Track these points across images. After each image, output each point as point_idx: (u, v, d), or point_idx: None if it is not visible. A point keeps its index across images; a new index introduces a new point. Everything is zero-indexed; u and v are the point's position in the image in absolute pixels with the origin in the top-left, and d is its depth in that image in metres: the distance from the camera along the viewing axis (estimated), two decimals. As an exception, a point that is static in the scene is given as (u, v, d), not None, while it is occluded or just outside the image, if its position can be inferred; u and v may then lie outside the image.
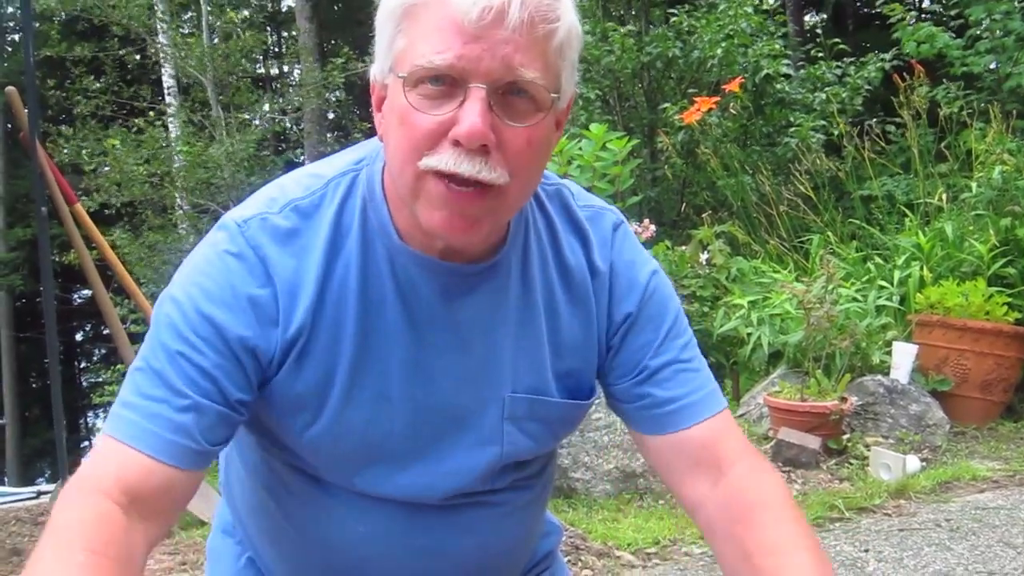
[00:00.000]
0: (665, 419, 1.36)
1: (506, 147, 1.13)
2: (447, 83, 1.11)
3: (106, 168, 12.64)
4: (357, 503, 1.36)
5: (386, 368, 1.27)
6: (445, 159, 1.12)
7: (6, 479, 19.76)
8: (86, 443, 25.53)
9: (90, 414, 24.72)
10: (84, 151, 12.70)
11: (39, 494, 5.28)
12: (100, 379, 18.12)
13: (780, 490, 1.32)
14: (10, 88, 4.19)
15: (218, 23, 13.98)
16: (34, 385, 24.67)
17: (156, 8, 13.98)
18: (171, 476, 1.16)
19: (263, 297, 1.21)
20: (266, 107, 14.41)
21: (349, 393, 1.26)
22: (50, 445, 20.32)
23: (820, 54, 9.45)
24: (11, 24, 19.89)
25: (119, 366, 12.77)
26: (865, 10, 19.01)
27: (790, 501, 1.31)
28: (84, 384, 25.20)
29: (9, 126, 21.20)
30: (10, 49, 23.35)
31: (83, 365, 26.64)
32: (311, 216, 1.25)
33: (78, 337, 26.04)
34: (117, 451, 1.16)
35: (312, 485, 1.37)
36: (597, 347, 1.38)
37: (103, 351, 24.84)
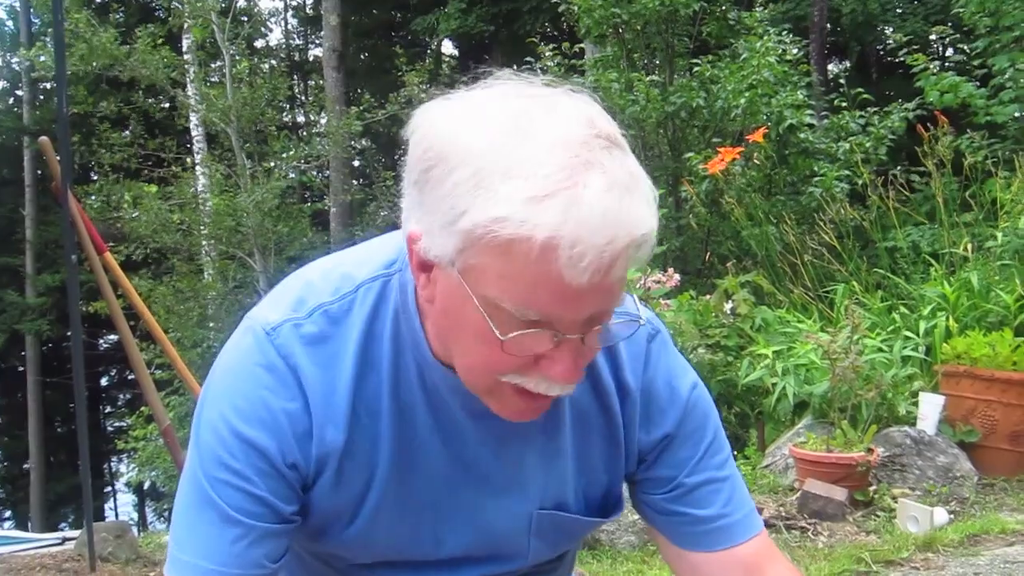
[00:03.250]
0: (705, 537, 1.35)
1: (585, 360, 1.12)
2: (539, 326, 1.04)
3: (135, 214, 12.78)
4: None
5: (417, 480, 1.26)
6: (534, 384, 1.10)
7: (30, 524, 19.78)
8: (110, 489, 25.61)
9: (114, 459, 24.77)
10: (116, 197, 12.87)
11: (64, 540, 5.28)
12: (125, 424, 18.17)
13: None
14: (43, 138, 4.25)
15: (243, 73, 14.14)
16: (59, 430, 24.78)
17: (184, 59, 14.18)
18: None
19: (296, 411, 1.18)
20: (291, 153, 14.53)
21: (382, 503, 1.25)
22: (74, 490, 20.41)
23: (844, 103, 9.47)
24: (43, 73, 20.20)
25: (144, 409, 12.85)
26: (888, 59, 19.06)
27: None
28: (109, 429, 25.27)
29: (39, 172, 21.52)
30: (42, 97, 23.73)
31: (108, 410, 26.74)
32: (341, 322, 1.21)
33: (103, 382, 26.18)
34: None
35: (325, 568, 1.37)
36: (626, 463, 1.35)
37: (128, 396, 24.94)
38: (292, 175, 14.79)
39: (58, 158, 4.07)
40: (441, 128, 1.05)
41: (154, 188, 12.96)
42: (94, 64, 13.25)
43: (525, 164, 0.98)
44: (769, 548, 1.37)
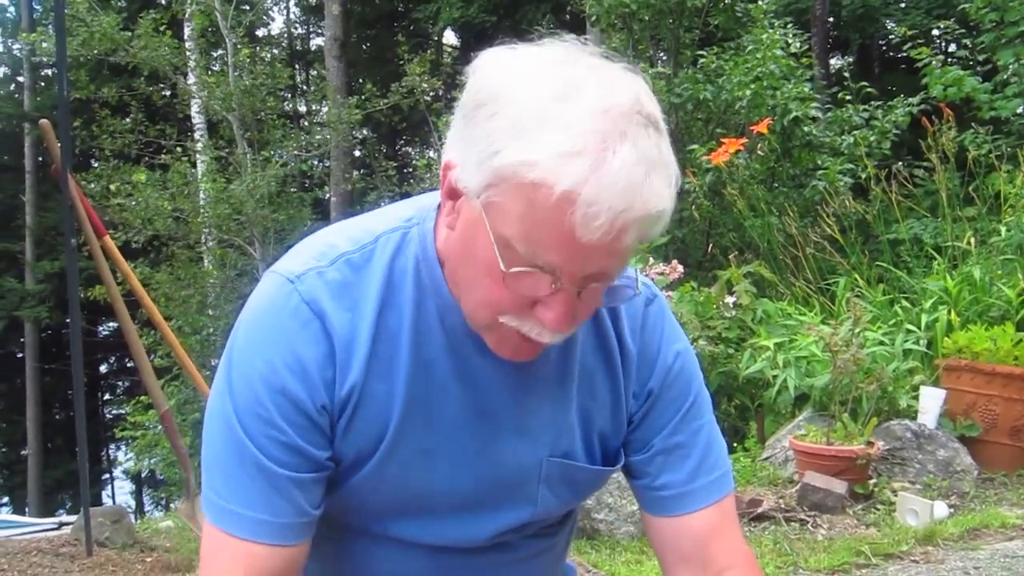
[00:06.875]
0: (661, 502, 1.40)
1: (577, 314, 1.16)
2: (541, 270, 1.10)
3: (132, 203, 12.74)
4: (380, 544, 1.36)
5: (431, 424, 1.28)
6: (528, 328, 1.15)
7: (27, 509, 19.81)
8: (108, 476, 25.62)
9: (112, 446, 24.78)
10: (112, 185, 12.82)
11: (60, 525, 5.29)
12: (123, 411, 18.19)
13: None
14: (43, 121, 4.23)
15: (244, 61, 14.12)
16: (57, 416, 24.81)
17: (185, 47, 14.15)
18: (293, 554, 1.25)
19: (323, 355, 1.21)
20: (290, 141, 14.50)
21: (394, 446, 1.27)
22: (72, 476, 20.42)
23: (848, 97, 9.46)
24: (44, 59, 20.15)
25: (143, 399, 12.84)
26: (891, 54, 19.02)
27: None
28: (107, 416, 25.29)
29: (40, 159, 21.50)
30: (43, 84, 23.69)
31: (106, 397, 26.76)
32: (362, 269, 1.25)
33: (102, 369, 26.19)
34: (238, 549, 1.22)
35: (336, 524, 1.37)
36: (625, 419, 1.39)
37: (127, 384, 24.96)
38: (292, 163, 14.76)
39: (59, 144, 4.04)
40: (498, 74, 1.12)
41: (144, 176, 12.90)
42: (95, 50, 13.22)
43: (565, 122, 1.04)
44: (722, 520, 1.40)
